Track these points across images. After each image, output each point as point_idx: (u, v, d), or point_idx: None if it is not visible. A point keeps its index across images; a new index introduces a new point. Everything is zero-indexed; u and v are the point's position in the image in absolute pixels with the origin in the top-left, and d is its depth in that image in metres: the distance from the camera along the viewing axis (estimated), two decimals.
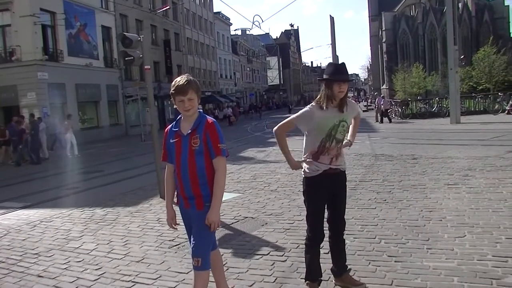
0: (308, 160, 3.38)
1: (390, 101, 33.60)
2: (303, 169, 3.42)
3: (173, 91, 2.98)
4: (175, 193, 3.18)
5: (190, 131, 3.01)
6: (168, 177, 3.20)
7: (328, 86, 3.26)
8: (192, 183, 3.00)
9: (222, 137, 3.02)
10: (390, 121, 25.58)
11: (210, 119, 3.06)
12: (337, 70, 3.27)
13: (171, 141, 3.09)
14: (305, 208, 3.52)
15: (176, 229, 3.29)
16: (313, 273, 3.47)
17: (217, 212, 2.98)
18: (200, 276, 3.03)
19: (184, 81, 2.96)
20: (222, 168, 3.00)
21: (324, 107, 3.26)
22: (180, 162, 3.03)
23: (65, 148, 18.15)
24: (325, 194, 3.38)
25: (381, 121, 25.30)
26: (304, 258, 3.59)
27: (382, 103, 26.12)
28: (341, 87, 3.22)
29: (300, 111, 3.36)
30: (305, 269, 3.55)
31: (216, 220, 2.97)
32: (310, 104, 3.36)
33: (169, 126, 3.19)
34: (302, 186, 3.52)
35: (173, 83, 3.01)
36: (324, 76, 3.30)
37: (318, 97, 3.36)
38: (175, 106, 3.07)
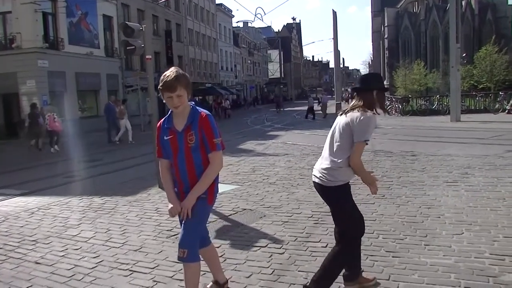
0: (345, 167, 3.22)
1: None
2: (334, 178, 3.20)
3: (161, 87, 2.88)
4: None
5: (184, 127, 2.95)
6: (164, 173, 3.12)
7: (382, 95, 3.29)
8: (190, 179, 2.98)
9: (217, 131, 2.96)
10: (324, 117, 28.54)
11: (203, 112, 2.98)
12: None
13: (165, 138, 3.03)
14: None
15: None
16: (358, 270, 3.46)
17: (192, 199, 2.93)
18: (188, 268, 3.00)
19: (172, 76, 2.85)
20: (215, 163, 2.97)
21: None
22: (177, 159, 2.99)
23: (118, 133, 18.12)
24: None
25: (324, 117, 28.69)
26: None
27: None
28: None
29: (368, 125, 3.12)
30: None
31: (187, 206, 2.93)
32: (367, 112, 3.15)
33: (161, 121, 3.11)
34: (331, 198, 3.31)
35: (161, 77, 2.90)
36: (379, 86, 3.29)
37: (364, 104, 3.19)
38: (164, 101, 2.97)
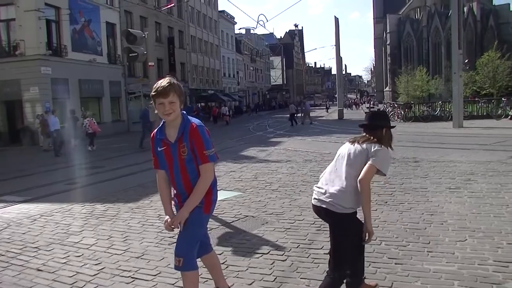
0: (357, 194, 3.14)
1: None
2: (346, 204, 3.11)
3: (153, 93, 2.86)
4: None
5: (176, 139, 2.92)
6: (161, 184, 3.09)
7: (390, 133, 3.27)
8: (186, 189, 2.97)
9: (208, 142, 2.91)
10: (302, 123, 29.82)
11: (194, 123, 2.93)
12: None
13: (159, 149, 3.00)
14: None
15: None
16: (361, 277, 3.40)
17: (185, 213, 2.91)
18: (185, 276, 2.99)
19: (166, 83, 2.84)
20: (206, 175, 2.92)
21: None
22: (172, 171, 2.97)
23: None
24: None
25: (302, 123, 29.91)
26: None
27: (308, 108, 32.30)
28: None
29: (386, 159, 3.10)
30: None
31: (181, 218, 2.91)
32: (383, 147, 3.12)
33: (154, 132, 3.08)
34: (339, 225, 3.18)
35: (154, 85, 2.90)
36: (388, 124, 3.30)
37: (377, 139, 3.16)
38: (156, 111, 2.94)
